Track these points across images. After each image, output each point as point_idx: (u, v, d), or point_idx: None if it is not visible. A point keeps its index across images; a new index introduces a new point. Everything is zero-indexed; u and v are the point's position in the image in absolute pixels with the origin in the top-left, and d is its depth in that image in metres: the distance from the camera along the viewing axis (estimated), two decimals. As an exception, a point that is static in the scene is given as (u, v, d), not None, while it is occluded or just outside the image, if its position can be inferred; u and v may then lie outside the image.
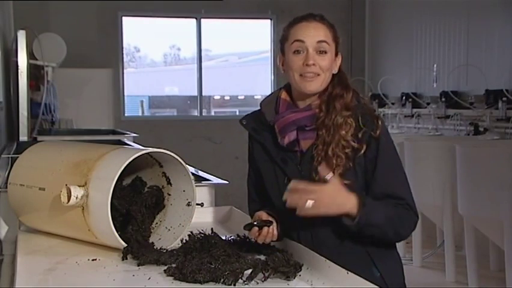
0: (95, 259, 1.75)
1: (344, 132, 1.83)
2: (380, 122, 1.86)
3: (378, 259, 1.87)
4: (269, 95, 2.01)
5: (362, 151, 1.83)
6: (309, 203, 1.69)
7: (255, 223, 1.81)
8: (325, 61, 1.87)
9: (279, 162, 1.92)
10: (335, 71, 1.93)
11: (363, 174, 1.85)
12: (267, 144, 1.95)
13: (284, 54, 1.94)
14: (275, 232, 1.83)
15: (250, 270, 1.55)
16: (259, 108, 2.01)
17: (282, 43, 1.95)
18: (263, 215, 1.86)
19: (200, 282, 1.52)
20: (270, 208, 1.95)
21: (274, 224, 1.84)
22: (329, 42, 1.88)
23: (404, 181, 1.89)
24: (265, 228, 1.80)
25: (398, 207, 1.83)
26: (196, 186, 1.92)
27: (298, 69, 1.88)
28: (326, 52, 1.87)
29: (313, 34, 1.87)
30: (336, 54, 1.93)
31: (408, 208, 1.85)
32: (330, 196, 1.72)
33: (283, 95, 1.96)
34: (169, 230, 1.94)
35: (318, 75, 1.87)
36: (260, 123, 1.98)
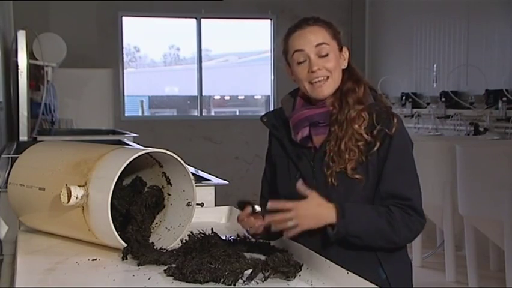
0: (95, 259, 1.75)
1: (357, 126, 1.83)
2: (395, 120, 1.84)
3: (386, 260, 1.85)
4: (289, 93, 2.03)
5: (376, 148, 1.82)
6: (291, 223, 1.71)
7: (253, 205, 1.80)
8: (329, 62, 1.86)
9: (294, 158, 1.93)
10: (344, 65, 1.92)
11: (376, 174, 1.83)
12: (284, 141, 1.96)
13: (290, 66, 1.94)
14: (260, 228, 1.81)
15: (250, 270, 1.55)
16: (280, 106, 2.02)
17: (285, 56, 1.95)
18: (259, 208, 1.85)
19: (200, 282, 1.51)
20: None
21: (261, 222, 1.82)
22: (328, 42, 1.87)
23: (412, 182, 1.86)
24: (253, 220, 1.79)
25: (394, 213, 1.79)
26: (196, 186, 1.92)
27: (306, 78, 1.88)
28: (327, 54, 1.86)
29: (310, 40, 1.87)
30: (341, 50, 1.91)
31: (410, 212, 1.81)
32: (306, 209, 1.74)
33: (301, 94, 1.97)
34: (169, 230, 1.94)
35: (327, 77, 1.86)
36: (280, 119, 1.99)
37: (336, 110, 1.88)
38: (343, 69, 1.92)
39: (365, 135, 1.82)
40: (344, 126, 1.84)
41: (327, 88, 1.87)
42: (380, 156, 1.83)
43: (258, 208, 1.80)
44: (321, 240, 1.85)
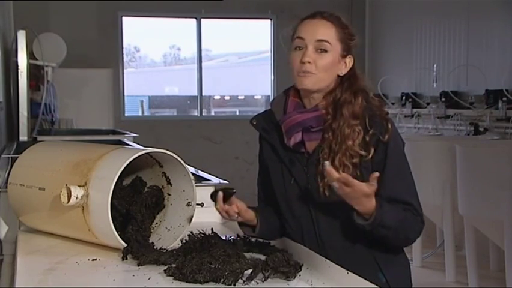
0: (95, 259, 1.75)
1: (350, 142, 1.80)
2: (389, 125, 1.83)
3: (385, 264, 1.85)
4: (279, 95, 1.99)
5: (370, 155, 1.80)
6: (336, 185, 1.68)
7: (224, 191, 1.79)
8: (323, 60, 1.83)
9: (287, 163, 1.90)
10: (341, 73, 1.88)
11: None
12: (276, 145, 1.93)
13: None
14: (241, 208, 1.82)
15: (250, 270, 1.55)
16: (269, 108, 1.99)
17: (289, 42, 1.92)
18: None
19: (200, 282, 1.52)
20: (271, 207, 1.95)
21: (243, 205, 1.83)
22: (330, 41, 1.83)
23: (411, 186, 1.86)
24: (234, 200, 1.78)
25: (407, 212, 1.82)
26: (196, 186, 1.92)
27: (296, 67, 1.85)
28: (326, 51, 1.83)
29: (314, 32, 1.84)
30: (345, 56, 1.87)
31: (415, 214, 1.83)
32: (363, 195, 1.70)
33: (292, 94, 1.93)
34: (169, 230, 1.94)
35: (313, 73, 1.83)
36: (270, 122, 1.95)
37: (330, 117, 1.84)
38: (344, 77, 1.88)
39: (359, 151, 1.80)
40: (338, 139, 1.81)
41: (309, 81, 1.84)
42: (375, 162, 1.81)
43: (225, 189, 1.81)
44: (319, 243, 1.86)
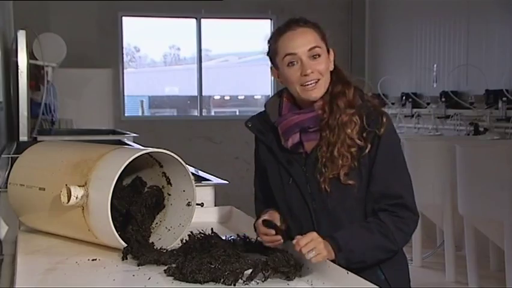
0: (95, 259, 1.75)
1: (349, 130, 1.81)
2: (385, 119, 1.83)
3: (384, 262, 1.85)
4: (273, 96, 2.00)
5: (367, 150, 1.81)
6: (312, 254, 1.65)
7: (276, 225, 1.80)
8: (321, 65, 1.84)
9: (284, 164, 1.90)
10: (331, 67, 1.90)
11: (368, 175, 1.83)
12: (273, 146, 1.93)
13: (277, 67, 1.92)
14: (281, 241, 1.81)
15: (250, 270, 1.55)
16: (264, 109, 1.99)
17: (272, 57, 1.93)
18: (278, 221, 1.86)
19: (200, 282, 1.52)
20: (278, 211, 1.95)
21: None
22: (319, 45, 1.85)
23: (403, 180, 1.85)
24: (278, 237, 1.78)
25: (384, 222, 1.78)
26: (196, 186, 1.92)
27: (297, 81, 1.85)
28: (319, 55, 1.85)
29: (302, 43, 1.85)
30: (328, 51, 1.89)
31: (401, 212, 1.81)
32: (315, 238, 1.68)
33: (286, 96, 1.94)
34: (169, 230, 1.94)
35: (318, 80, 1.84)
36: (266, 124, 1.96)
37: (326, 115, 1.85)
38: (332, 72, 1.90)
39: (357, 141, 1.81)
40: (335, 131, 1.82)
41: (318, 90, 1.85)
42: (371, 156, 1.82)
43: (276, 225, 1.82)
44: None
